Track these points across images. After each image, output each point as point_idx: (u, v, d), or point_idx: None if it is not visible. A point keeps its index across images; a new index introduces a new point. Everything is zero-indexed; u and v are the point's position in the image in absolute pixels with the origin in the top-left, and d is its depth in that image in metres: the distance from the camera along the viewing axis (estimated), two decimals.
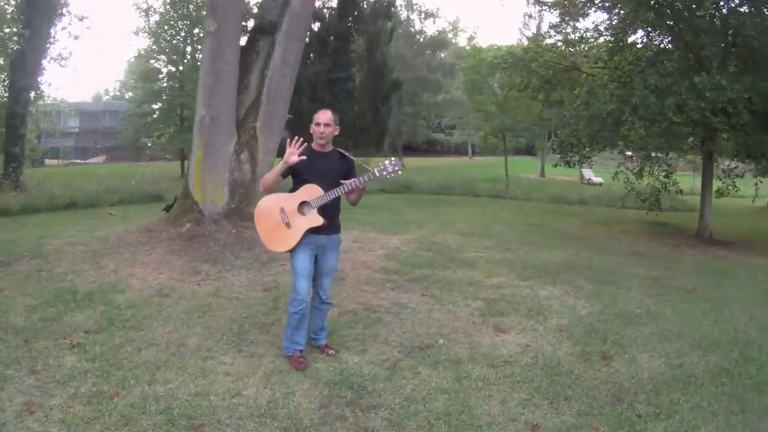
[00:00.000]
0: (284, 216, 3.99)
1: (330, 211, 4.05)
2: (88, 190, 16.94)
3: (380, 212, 13.63)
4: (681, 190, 13.30)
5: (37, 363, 3.98)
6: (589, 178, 31.99)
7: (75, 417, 3.28)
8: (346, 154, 4.20)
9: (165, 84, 28.86)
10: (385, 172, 3.95)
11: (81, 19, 24.12)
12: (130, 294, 5.64)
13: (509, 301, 5.91)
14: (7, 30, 19.92)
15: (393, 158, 4.10)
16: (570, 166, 13.55)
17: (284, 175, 3.97)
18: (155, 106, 30.28)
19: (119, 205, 15.55)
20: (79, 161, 46.15)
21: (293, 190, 4.04)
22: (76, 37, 46.07)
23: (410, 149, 51.70)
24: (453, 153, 59.52)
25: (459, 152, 58.25)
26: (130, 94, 36.69)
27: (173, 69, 27.80)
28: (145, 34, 27.72)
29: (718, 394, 3.85)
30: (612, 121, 10.25)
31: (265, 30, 9.14)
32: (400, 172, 3.99)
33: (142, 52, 28.70)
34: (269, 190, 4.10)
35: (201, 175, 8.36)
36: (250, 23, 13.16)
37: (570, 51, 13.22)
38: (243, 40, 9.32)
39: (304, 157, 3.92)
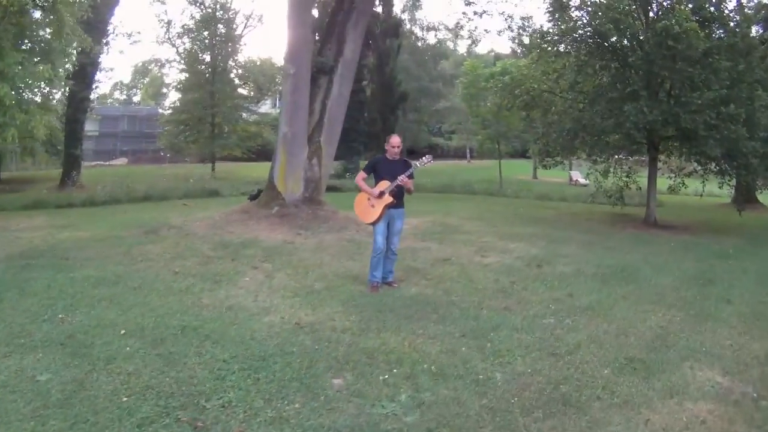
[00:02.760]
0: (370, 202, 6.63)
1: (397, 194, 6.60)
2: (158, 186, 20.84)
3: None
4: (640, 188, 16.22)
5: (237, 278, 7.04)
6: (577, 180, 34.56)
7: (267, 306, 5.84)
8: (407, 160, 7.00)
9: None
10: (422, 164, 6.75)
11: (129, 36, 28.40)
12: (267, 243, 9.51)
13: (491, 249, 9.75)
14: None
15: (428, 155, 7.07)
16: (547, 169, 17.39)
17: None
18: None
19: (185, 198, 19.06)
20: (102, 163, 49.26)
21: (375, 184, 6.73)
22: (121, 52, 49.62)
23: (413, 153, 54.92)
24: (452, 156, 62.86)
25: (458, 156, 61.68)
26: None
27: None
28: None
29: None
30: (570, 136, 14.18)
31: (324, 71, 13.02)
32: (432, 163, 7.08)
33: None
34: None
35: (284, 174, 12.20)
36: None
37: (547, 77, 16.76)
38: None
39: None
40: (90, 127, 55.56)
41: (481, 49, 63.92)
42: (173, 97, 35.35)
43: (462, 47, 52.86)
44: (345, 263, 8.14)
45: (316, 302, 6.06)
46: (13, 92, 11.45)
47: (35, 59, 13.27)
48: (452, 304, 6.07)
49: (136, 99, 76.29)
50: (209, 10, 31.52)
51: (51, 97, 18.82)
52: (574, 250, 9.98)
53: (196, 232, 10.64)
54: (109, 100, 70.72)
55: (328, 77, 12.95)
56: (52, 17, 12.44)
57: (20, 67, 11.87)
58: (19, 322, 5.27)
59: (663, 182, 16.32)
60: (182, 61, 32.78)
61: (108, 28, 24.34)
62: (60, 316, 5.50)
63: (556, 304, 6.29)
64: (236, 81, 34.46)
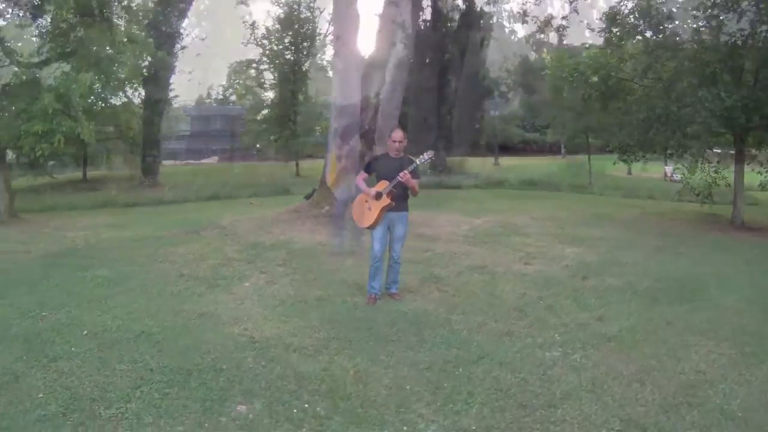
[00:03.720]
0: (367, 204, 5.96)
1: (397, 196, 5.87)
2: (227, 184, 21.07)
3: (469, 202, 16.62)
4: (729, 184, 14.62)
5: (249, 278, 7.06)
6: (671, 175, 32.68)
7: (272, 316, 5.44)
8: (411, 157, 6.06)
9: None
10: (422, 161, 6.01)
11: (203, 39, 28.96)
12: (298, 245, 9.10)
13: (542, 255, 8.80)
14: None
15: (430, 150, 6.17)
16: (628, 164, 15.93)
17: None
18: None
19: (254, 197, 19.18)
20: (192, 162, 51.16)
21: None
22: (198, 54, 51.57)
23: (506, 149, 53.13)
24: (547, 152, 60.57)
25: (552, 151, 59.33)
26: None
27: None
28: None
29: None
30: (645, 127, 12.77)
31: (376, 65, 12.48)
32: (432, 159, 6.33)
33: None
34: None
35: (335, 171, 11.79)
36: None
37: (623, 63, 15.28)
38: None
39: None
40: (182, 127, 58.17)
41: (575, 40, 61.06)
42: (261, 96, 35.92)
43: (554, 39, 50.59)
44: (365, 270, 7.50)
45: (295, 314, 5.56)
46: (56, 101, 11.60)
47: (83, 67, 13.38)
48: (447, 323, 5.26)
49: (233, 98, 78.72)
50: (294, 7, 31.69)
51: (108, 99, 19.32)
52: (637, 258, 8.84)
53: (236, 233, 10.48)
54: (207, 100, 73.66)
55: (381, 71, 12.39)
56: (105, 27, 12.55)
57: (65, 76, 12.08)
58: (7, 317, 5.43)
59: (755, 177, 14.60)
60: (268, 62, 33.22)
61: (181, 32, 25.06)
62: (44, 313, 5.55)
63: (575, 330, 5.17)
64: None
